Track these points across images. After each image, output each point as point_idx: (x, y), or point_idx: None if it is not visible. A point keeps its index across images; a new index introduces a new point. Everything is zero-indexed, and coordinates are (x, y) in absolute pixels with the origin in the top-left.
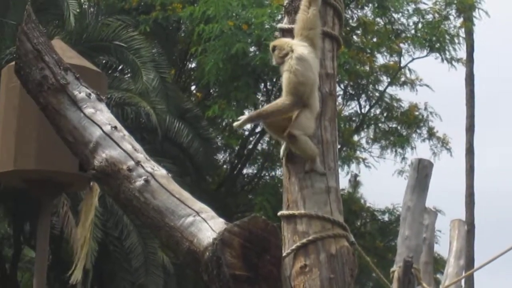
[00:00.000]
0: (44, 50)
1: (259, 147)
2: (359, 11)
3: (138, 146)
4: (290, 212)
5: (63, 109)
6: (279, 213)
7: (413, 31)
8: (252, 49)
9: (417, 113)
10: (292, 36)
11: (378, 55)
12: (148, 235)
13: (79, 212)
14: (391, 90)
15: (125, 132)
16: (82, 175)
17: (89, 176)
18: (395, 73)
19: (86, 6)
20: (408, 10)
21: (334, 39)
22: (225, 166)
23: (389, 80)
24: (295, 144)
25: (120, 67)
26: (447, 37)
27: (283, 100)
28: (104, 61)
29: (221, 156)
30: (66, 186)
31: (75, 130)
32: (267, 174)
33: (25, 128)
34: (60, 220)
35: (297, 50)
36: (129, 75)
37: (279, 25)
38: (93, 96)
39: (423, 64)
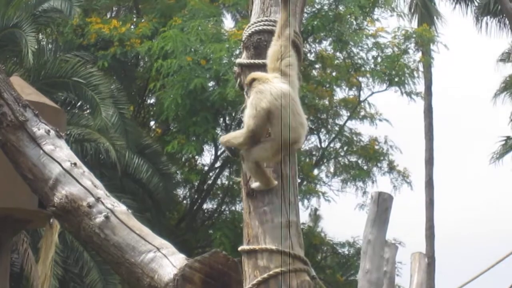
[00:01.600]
0: (2, 87)
1: (219, 182)
2: (317, 45)
3: (98, 182)
4: (251, 247)
5: (22, 146)
6: (239, 248)
7: (372, 65)
8: (210, 84)
9: (377, 146)
10: (253, 71)
11: (337, 89)
12: (108, 272)
13: (39, 249)
14: (351, 124)
15: (85, 169)
16: (42, 212)
17: (49, 213)
18: (354, 107)
19: (44, 43)
20: (367, 44)
21: None
22: (185, 202)
23: (348, 114)
24: (244, 164)
25: (79, 103)
26: (406, 71)
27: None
28: (63, 98)
29: (181, 192)
30: (26, 223)
31: (35, 167)
32: (227, 209)
33: None
34: (20, 257)
35: (258, 85)
36: (88, 111)
37: (238, 60)
38: (52, 132)
39: (382, 98)
